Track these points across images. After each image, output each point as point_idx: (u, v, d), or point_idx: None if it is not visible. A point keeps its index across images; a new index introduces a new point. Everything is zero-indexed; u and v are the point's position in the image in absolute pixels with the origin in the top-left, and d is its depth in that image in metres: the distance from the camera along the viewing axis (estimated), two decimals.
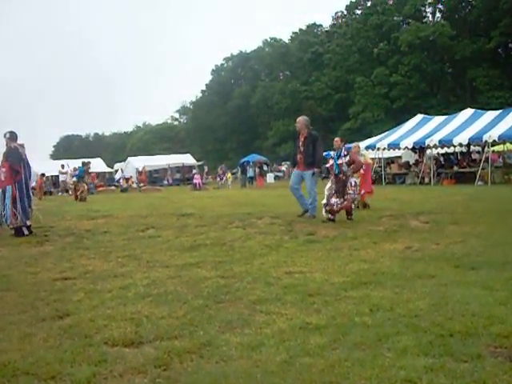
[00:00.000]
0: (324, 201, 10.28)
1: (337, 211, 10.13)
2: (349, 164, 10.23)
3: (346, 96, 61.69)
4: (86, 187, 23.54)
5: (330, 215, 10.09)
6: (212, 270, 5.98)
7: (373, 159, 32.25)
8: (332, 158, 10.57)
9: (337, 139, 10.75)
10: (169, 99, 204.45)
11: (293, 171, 11.51)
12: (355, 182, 10.36)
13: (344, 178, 10.16)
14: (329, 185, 10.45)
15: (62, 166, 36.53)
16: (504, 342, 3.35)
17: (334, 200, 10.07)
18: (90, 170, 30.58)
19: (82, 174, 24.66)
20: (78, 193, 22.66)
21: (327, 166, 10.73)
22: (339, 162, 10.22)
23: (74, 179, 25.67)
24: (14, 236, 9.49)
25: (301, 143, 10.90)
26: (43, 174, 32.24)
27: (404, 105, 54.23)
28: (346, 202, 10.04)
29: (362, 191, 12.50)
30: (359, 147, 13.55)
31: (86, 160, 27.41)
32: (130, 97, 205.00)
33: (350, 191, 10.11)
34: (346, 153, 10.36)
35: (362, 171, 12.50)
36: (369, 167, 13.60)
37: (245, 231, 9.19)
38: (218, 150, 76.27)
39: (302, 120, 11.15)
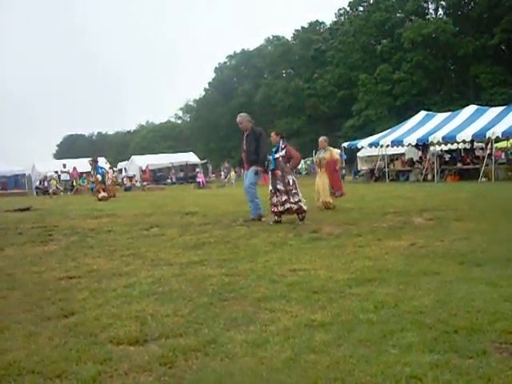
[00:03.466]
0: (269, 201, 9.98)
1: (281, 212, 9.82)
2: (287, 159, 9.91)
3: (349, 93, 61.63)
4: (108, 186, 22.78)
5: (276, 217, 9.82)
6: (216, 267, 5.98)
7: (376, 156, 32.48)
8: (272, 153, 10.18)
9: (272, 134, 10.25)
10: (172, 98, 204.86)
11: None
12: (293, 180, 9.93)
13: (281, 173, 9.80)
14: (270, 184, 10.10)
15: (64, 166, 36.57)
16: (509, 337, 3.34)
17: (275, 199, 9.83)
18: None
19: (105, 171, 23.86)
20: (103, 194, 21.90)
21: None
22: (276, 156, 9.95)
23: (99, 176, 25.05)
24: None
25: (244, 141, 10.42)
26: (111, 168, 30.90)
27: (407, 102, 54.15)
28: (290, 205, 9.69)
29: (337, 193, 12.30)
30: (326, 141, 12.91)
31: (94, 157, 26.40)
32: (133, 96, 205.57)
33: (294, 191, 9.77)
34: (283, 146, 10.02)
35: (323, 168, 12.32)
36: (333, 163, 12.88)
37: (249, 229, 9.19)
38: (222, 148, 76.21)
39: (243, 119, 10.48)
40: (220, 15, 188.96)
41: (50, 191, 33.47)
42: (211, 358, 3.26)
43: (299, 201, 9.81)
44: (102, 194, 21.34)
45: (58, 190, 33.54)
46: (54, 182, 34.43)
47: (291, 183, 9.84)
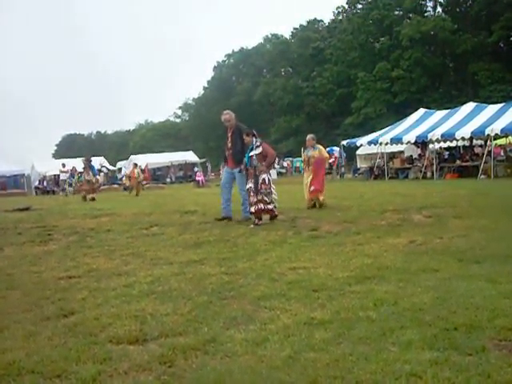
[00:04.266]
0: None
1: (255, 212, 9.69)
2: (263, 157, 9.80)
3: (347, 91, 61.62)
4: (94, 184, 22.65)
5: (256, 220, 9.67)
6: (216, 266, 5.98)
7: (375, 154, 32.46)
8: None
9: (244, 136, 10.07)
10: (171, 97, 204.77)
11: (224, 168, 10.62)
12: (268, 179, 9.84)
13: (254, 172, 9.71)
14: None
15: (63, 165, 36.51)
16: (508, 334, 3.35)
17: (251, 199, 9.74)
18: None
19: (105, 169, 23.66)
20: (92, 195, 21.56)
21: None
22: (250, 154, 9.84)
23: (98, 177, 24.94)
24: None
25: (229, 139, 10.34)
26: (136, 164, 29.01)
27: (406, 99, 54.11)
28: (259, 205, 9.57)
29: (312, 188, 12.16)
30: (313, 139, 12.58)
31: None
32: (132, 95, 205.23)
33: (262, 190, 9.65)
34: (258, 144, 9.91)
35: (311, 166, 12.17)
36: (322, 162, 12.66)
37: (248, 227, 9.18)
38: (221, 147, 75.86)
39: (231, 116, 10.36)
40: (219, 14, 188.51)
41: (66, 187, 33.74)
42: (211, 356, 3.26)
43: (272, 201, 9.80)
44: (92, 195, 21.30)
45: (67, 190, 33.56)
46: (67, 187, 34.53)
47: (266, 182, 9.77)
